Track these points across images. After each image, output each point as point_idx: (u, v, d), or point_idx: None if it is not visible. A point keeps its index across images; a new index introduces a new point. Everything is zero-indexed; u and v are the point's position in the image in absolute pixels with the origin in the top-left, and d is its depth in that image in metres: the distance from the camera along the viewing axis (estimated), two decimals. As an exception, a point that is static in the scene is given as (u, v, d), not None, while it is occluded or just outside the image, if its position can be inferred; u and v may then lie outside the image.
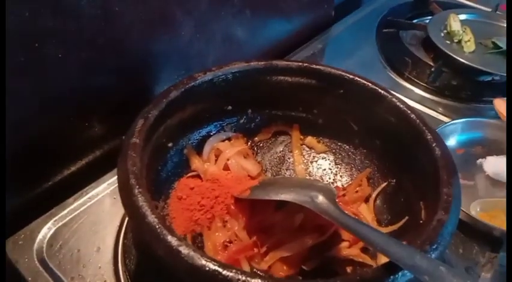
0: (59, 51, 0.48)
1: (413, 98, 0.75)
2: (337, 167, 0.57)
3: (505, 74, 0.77)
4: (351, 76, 0.51)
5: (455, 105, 0.75)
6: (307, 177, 0.56)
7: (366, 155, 0.55)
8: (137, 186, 0.36)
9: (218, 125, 0.56)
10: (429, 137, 0.44)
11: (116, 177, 0.56)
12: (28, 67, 0.46)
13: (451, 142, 0.65)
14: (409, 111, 0.47)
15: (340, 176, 0.56)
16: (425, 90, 0.77)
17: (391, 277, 0.32)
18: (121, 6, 0.51)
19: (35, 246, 0.50)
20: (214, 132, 0.56)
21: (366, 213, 0.50)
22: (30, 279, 0.47)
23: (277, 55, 0.81)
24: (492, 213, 0.57)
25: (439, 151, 0.42)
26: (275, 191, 0.45)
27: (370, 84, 0.50)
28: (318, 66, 0.52)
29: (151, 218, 0.34)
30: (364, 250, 0.46)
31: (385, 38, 0.88)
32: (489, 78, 0.79)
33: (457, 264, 0.52)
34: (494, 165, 0.60)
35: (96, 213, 0.54)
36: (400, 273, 0.32)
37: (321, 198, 0.41)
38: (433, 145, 0.43)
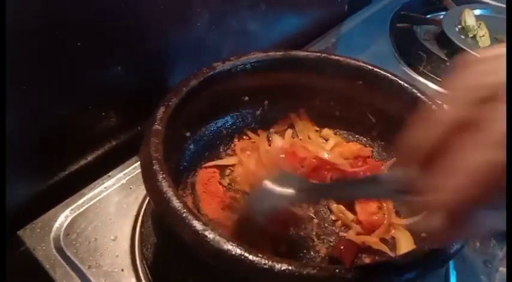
0: (77, 41, 0.48)
1: (427, 92, 0.74)
2: (354, 160, 0.57)
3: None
4: (370, 67, 0.51)
5: (470, 100, 0.75)
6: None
7: (384, 147, 0.55)
8: (161, 172, 0.36)
9: (235, 116, 0.56)
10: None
11: (132, 167, 0.58)
12: (47, 56, 0.46)
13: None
14: (430, 103, 0.46)
15: (357, 169, 0.56)
16: (440, 84, 0.77)
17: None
18: (140, -4, 0.51)
19: (52, 234, 0.50)
20: (230, 123, 0.56)
21: (386, 204, 0.50)
22: (47, 266, 0.47)
23: (290, 48, 0.80)
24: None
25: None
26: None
27: (390, 75, 0.49)
28: (336, 57, 0.52)
29: (176, 203, 0.34)
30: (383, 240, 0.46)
31: (399, 33, 0.87)
32: (504, 74, 0.78)
33: (474, 258, 0.52)
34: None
35: (112, 203, 0.54)
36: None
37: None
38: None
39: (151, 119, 0.41)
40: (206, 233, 0.32)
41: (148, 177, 0.36)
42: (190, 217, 0.33)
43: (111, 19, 0.50)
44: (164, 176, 0.36)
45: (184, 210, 0.33)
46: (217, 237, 0.32)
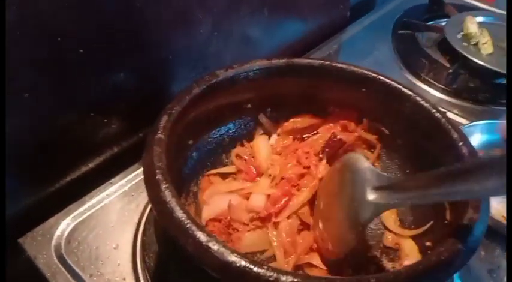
0: (79, 47, 0.48)
1: (430, 99, 0.74)
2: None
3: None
4: (374, 74, 0.50)
5: (472, 108, 0.74)
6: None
7: (388, 154, 0.54)
8: (164, 182, 0.35)
9: (237, 123, 0.56)
10: (456, 136, 0.43)
11: (133, 174, 0.57)
12: (49, 63, 0.46)
13: (471, 144, 0.64)
14: (434, 110, 0.46)
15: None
16: (442, 92, 0.76)
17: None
18: (142, 2, 0.51)
19: (53, 242, 0.50)
20: (233, 130, 0.56)
21: (389, 213, 0.49)
22: (48, 275, 0.47)
23: (293, 55, 0.80)
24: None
25: (466, 150, 0.42)
26: (349, 231, 0.41)
27: (393, 82, 0.49)
28: (339, 65, 0.52)
29: (180, 213, 0.33)
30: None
31: (401, 40, 0.87)
32: (506, 81, 0.78)
33: (480, 267, 0.51)
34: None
35: (114, 211, 0.54)
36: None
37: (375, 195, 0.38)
38: (460, 144, 0.42)
39: (154, 127, 0.41)
40: (210, 244, 0.32)
41: (151, 186, 0.36)
42: (194, 228, 0.32)
43: (113, 26, 0.50)
44: (167, 185, 0.35)
45: (188, 221, 0.33)
46: (222, 249, 0.31)
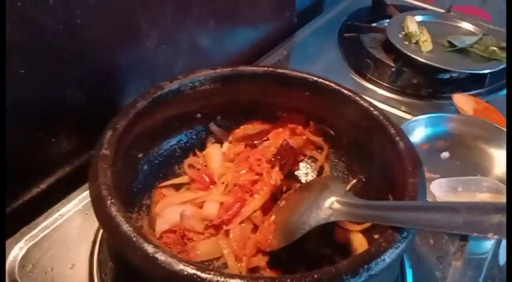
0: (22, 65, 0.47)
1: (376, 98, 0.77)
2: (306, 167, 0.58)
3: (462, 71, 0.81)
4: (315, 78, 0.52)
5: (416, 103, 0.78)
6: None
7: (335, 154, 0.57)
8: (109, 197, 0.36)
9: (188, 133, 0.57)
10: (393, 132, 0.45)
11: (87, 192, 0.56)
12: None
13: (415, 138, 0.67)
14: (372, 109, 0.48)
15: (312, 176, 0.58)
16: (387, 90, 0.80)
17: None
18: (84, 19, 0.51)
19: (7, 267, 0.48)
20: (184, 140, 0.57)
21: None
22: (3, 302, 0.46)
23: (243, 62, 0.82)
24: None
25: (403, 144, 0.44)
26: (296, 226, 0.44)
27: (333, 84, 0.51)
28: (282, 70, 0.54)
29: (126, 227, 0.34)
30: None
31: (347, 42, 0.91)
32: (447, 76, 0.82)
33: (428, 254, 0.54)
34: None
35: (69, 230, 0.53)
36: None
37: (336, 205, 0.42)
38: (397, 139, 0.45)
39: (98, 143, 0.41)
40: (157, 255, 0.32)
41: (97, 203, 0.36)
42: (140, 240, 0.33)
43: (56, 43, 0.49)
44: (113, 200, 0.36)
45: (134, 234, 0.33)
46: (169, 259, 0.32)
